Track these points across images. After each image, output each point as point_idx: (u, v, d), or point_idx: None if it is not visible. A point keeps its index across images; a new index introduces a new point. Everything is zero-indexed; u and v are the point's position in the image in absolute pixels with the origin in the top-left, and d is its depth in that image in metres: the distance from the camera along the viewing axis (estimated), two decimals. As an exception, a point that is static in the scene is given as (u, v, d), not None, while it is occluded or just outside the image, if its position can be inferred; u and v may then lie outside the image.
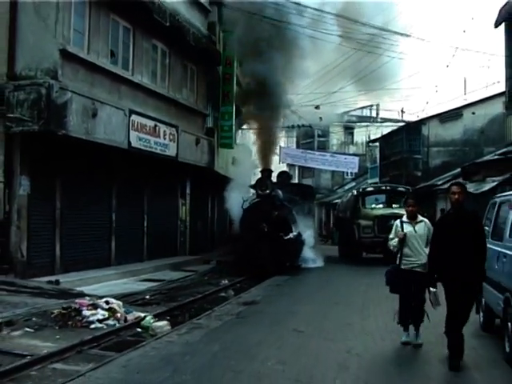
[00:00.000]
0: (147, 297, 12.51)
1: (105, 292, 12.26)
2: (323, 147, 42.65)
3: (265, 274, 16.16)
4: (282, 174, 23.80)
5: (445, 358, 6.88)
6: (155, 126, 16.49)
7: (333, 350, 7.55)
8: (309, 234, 20.28)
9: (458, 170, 24.58)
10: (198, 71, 20.05)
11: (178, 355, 7.10)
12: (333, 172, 41.33)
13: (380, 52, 19.77)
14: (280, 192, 19.57)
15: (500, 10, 17.52)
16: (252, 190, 20.01)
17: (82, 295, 11.56)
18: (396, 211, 20.06)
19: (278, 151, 31.30)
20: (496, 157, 19.03)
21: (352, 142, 45.53)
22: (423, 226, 8.10)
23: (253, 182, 20.55)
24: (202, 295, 13.05)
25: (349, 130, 45.19)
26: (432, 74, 51.77)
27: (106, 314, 9.36)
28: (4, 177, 12.94)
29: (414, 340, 7.85)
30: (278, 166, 29.43)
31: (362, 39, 19.27)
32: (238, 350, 7.48)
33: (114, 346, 8.10)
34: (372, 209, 22.31)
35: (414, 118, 36.37)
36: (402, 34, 19.07)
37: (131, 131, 15.28)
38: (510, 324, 6.74)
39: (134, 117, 15.40)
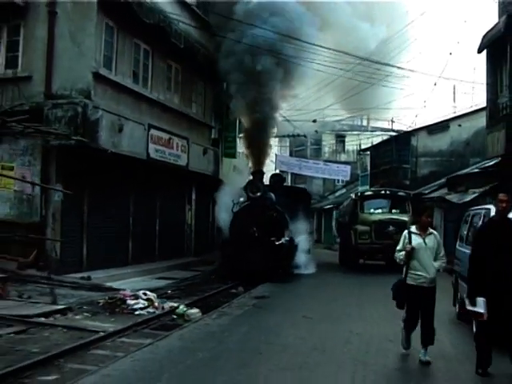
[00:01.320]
0: (169, 291, 14.56)
1: (129, 287, 14.25)
2: (316, 155, 45.17)
3: (255, 280, 16.16)
4: (274, 177, 23.45)
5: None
6: (169, 138, 18.63)
7: (338, 331, 9.73)
8: (303, 239, 20.15)
9: (445, 179, 26.79)
10: (206, 86, 22.21)
11: (218, 332, 9.25)
12: (324, 179, 43.62)
13: (372, 80, 21.80)
14: (272, 195, 19.49)
15: (482, 38, 19.77)
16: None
17: (112, 289, 13.64)
18: (395, 217, 21.06)
19: (273, 159, 33.50)
20: (477, 170, 21.29)
21: (343, 150, 48.02)
22: (433, 238, 7.96)
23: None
24: (216, 291, 15.14)
25: (340, 138, 47.69)
26: (421, 91, 54.26)
27: (146, 303, 11.49)
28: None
29: (422, 357, 7.65)
30: (271, 170, 31.11)
31: (355, 70, 21.29)
32: (263, 330, 9.67)
33: (160, 327, 10.19)
34: (370, 214, 22.04)
35: (403, 127, 38.81)
36: (393, 66, 21.10)
37: (150, 144, 17.41)
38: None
39: (152, 131, 17.53)
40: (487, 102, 20.36)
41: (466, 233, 10.61)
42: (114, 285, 14.71)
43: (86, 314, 10.71)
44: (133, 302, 11.38)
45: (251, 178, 19.79)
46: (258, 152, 20.70)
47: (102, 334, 8.94)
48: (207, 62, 20.48)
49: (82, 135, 14.42)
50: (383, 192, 24.09)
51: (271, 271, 16.88)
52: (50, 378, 6.75)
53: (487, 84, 20.09)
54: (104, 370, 6.78)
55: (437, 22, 49.30)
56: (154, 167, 18.21)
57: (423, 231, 7.97)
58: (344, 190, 43.79)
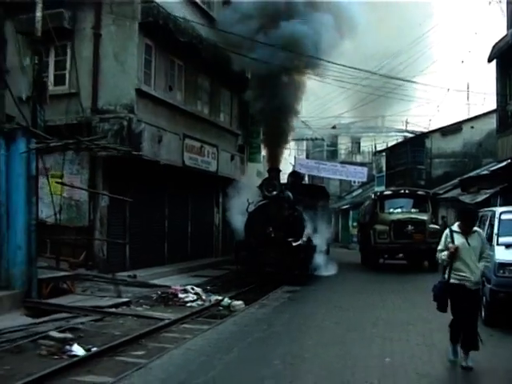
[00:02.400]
0: (208, 287, 16.37)
1: (171, 284, 16.06)
2: (332, 156, 47.03)
3: (271, 283, 16.09)
4: (293, 175, 23.26)
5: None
6: (201, 146, 20.44)
7: (365, 317, 11.50)
8: (322, 240, 19.88)
9: (458, 180, 28.46)
10: (232, 96, 24.01)
11: (264, 319, 11.05)
12: (341, 180, 45.38)
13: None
14: (289, 193, 19.15)
15: (493, 47, 21.50)
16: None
17: (157, 286, 15.46)
18: (414, 216, 21.52)
19: (292, 161, 35.31)
20: (488, 172, 22.98)
21: (359, 151, 49.85)
22: (477, 237, 7.70)
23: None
24: (250, 287, 16.89)
25: (355, 139, 49.52)
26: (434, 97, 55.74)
27: (195, 296, 13.31)
28: (27, 185, 16.71)
29: (463, 362, 7.56)
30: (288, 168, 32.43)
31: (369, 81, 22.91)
32: (301, 316, 11.48)
33: (211, 317, 11.98)
34: (389, 213, 22.25)
35: (417, 128, 40.54)
36: (407, 81, 22.82)
37: (185, 152, 19.24)
38: (483, 298, 10.63)
39: (186, 140, 19.35)
40: (497, 109, 22.09)
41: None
42: (156, 282, 16.52)
43: (145, 306, 12.54)
44: (183, 295, 13.21)
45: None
46: (275, 149, 20.11)
47: (167, 321, 10.74)
48: (234, 74, 22.21)
49: (127, 146, 16.25)
50: (402, 191, 24.41)
51: (288, 274, 16.60)
52: (139, 353, 8.54)
53: (497, 91, 21.78)
54: (184, 346, 8.59)
55: (449, 33, 51.06)
56: (188, 173, 19.99)
57: (466, 230, 7.66)
58: (360, 191, 45.65)
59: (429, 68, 46.43)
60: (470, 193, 23.68)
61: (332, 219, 29.34)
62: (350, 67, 19.63)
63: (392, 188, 28.77)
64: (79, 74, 17.13)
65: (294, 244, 17.13)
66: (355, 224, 40.94)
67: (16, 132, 11.60)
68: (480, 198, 21.55)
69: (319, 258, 19.27)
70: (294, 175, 23.46)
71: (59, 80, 17.64)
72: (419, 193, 23.87)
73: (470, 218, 7.81)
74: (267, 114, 19.81)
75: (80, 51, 17.26)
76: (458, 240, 7.63)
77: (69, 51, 17.53)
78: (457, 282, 7.62)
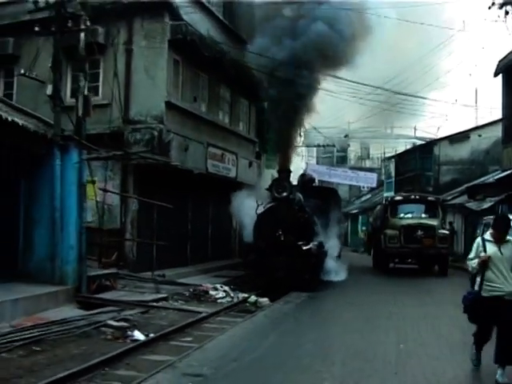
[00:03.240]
0: (232, 286, 17.92)
1: (197, 283, 17.64)
2: (342, 162, 48.70)
3: (280, 288, 15.95)
4: (303, 176, 23.45)
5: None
6: (222, 154, 22.06)
7: (380, 311, 13.07)
8: (333, 244, 19.92)
9: (465, 187, 30.01)
10: (250, 105, 25.62)
11: (290, 313, 12.63)
12: (350, 185, 46.97)
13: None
14: (300, 195, 18.92)
15: (498, 63, 23.06)
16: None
17: (185, 284, 17.03)
18: (424, 221, 22.47)
19: (303, 166, 36.91)
20: (493, 180, 24.54)
21: (368, 157, 51.48)
22: (510, 246, 7.51)
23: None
24: (257, 292, 18.28)
25: (365, 145, 51.17)
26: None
27: (224, 294, 14.89)
28: (120, 196, 18.40)
29: (499, 378, 7.20)
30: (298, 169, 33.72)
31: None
32: (323, 311, 13.13)
33: (241, 311, 13.53)
34: (400, 218, 23.06)
35: (425, 135, 42.14)
36: (416, 96, 24.40)
37: (208, 159, 20.86)
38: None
39: (209, 148, 20.98)
40: (503, 121, 23.64)
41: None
42: (184, 280, 18.08)
43: (180, 301, 14.13)
44: (214, 292, 14.81)
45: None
46: (285, 149, 20.06)
47: (204, 314, 12.33)
48: (251, 84, 23.78)
49: (158, 155, 17.86)
50: (413, 197, 25.27)
51: (298, 279, 16.25)
52: (187, 339, 10.11)
53: (503, 104, 23.34)
54: (227, 333, 10.17)
55: (457, 48, 52.96)
56: (210, 179, 21.58)
57: (499, 239, 7.51)
58: (369, 196, 47.29)
59: (439, 82, 47.84)
60: (477, 200, 25.22)
61: (344, 222, 29.07)
62: (363, 84, 21.11)
63: (403, 193, 29.66)
64: (112, 86, 18.70)
65: (304, 248, 16.82)
66: (364, 228, 42.59)
67: (69, 144, 13.18)
68: (486, 205, 23.10)
69: (330, 263, 19.16)
70: (305, 176, 23.53)
71: (92, 92, 19.21)
72: (429, 198, 24.84)
73: (503, 227, 7.54)
74: (278, 112, 19.62)
75: (112, 65, 18.83)
76: (491, 249, 7.47)
77: (102, 64, 19.14)
78: (489, 294, 7.45)
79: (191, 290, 15.32)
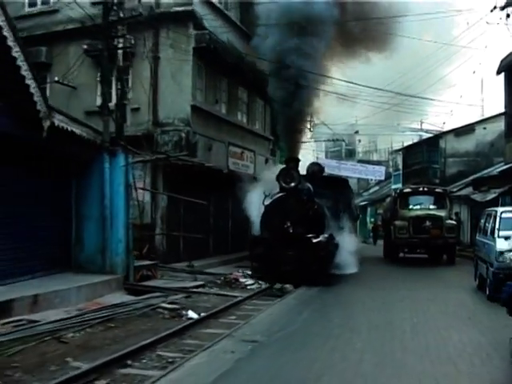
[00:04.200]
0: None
1: (223, 272, 19.62)
2: (350, 155, 50.77)
3: (289, 283, 16.02)
4: (313, 166, 23.34)
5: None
6: (242, 152, 24.08)
7: (393, 295, 15.09)
8: (345, 237, 19.88)
9: (471, 178, 31.97)
10: (265, 105, 27.59)
11: (315, 296, 14.63)
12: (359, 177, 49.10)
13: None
14: (309, 186, 18.65)
15: (501, 61, 24.97)
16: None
17: (213, 274, 19.05)
18: (432, 212, 24.11)
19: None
20: (497, 173, 26.50)
21: (375, 150, 53.53)
22: None
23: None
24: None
25: (372, 138, 53.22)
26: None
27: (253, 281, 16.91)
28: (151, 194, 20.38)
29: None
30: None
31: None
32: (344, 294, 15.15)
33: (270, 296, 15.51)
34: (409, 210, 24.59)
35: (432, 127, 44.11)
36: (423, 98, 26.35)
37: (229, 158, 22.87)
38: (488, 279, 14.18)
39: (230, 147, 22.99)
40: (505, 116, 25.62)
41: (482, 227, 15.90)
42: (211, 271, 20.07)
43: (215, 288, 16.15)
44: (243, 280, 16.83)
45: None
46: (293, 138, 19.89)
47: (240, 298, 14.35)
48: (266, 85, 25.73)
49: (185, 155, 19.84)
50: (421, 189, 26.76)
51: (308, 273, 16.11)
52: (232, 317, 12.11)
53: (505, 100, 25.29)
54: (265, 312, 12.20)
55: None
56: (230, 176, 23.57)
57: None
58: (377, 188, 49.40)
59: (444, 80, 49.79)
60: (481, 191, 27.20)
61: (357, 214, 28.63)
62: (374, 88, 23.02)
63: (411, 186, 30.87)
64: (140, 91, 20.64)
65: (313, 240, 16.59)
66: (372, 220, 44.68)
67: (117, 149, 15.21)
68: (490, 197, 25.07)
69: (342, 257, 18.78)
70: (315, 166, 23.24)
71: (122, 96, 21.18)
72: (437, 190, 26.45)
73: None
74: (283, 96, 19.30)
75: (141, 71, 20.77)
76: None
77: (131, 71, 21.09)
78: None
79: (222, 278, 17.32)
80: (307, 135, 36.74)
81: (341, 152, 52.19)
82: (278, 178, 17.97)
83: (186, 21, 20.63)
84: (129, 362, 8.36)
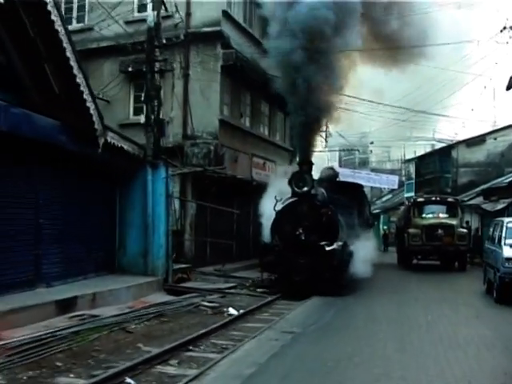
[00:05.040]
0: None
1: (247, 276, 21.41)
2: (363, 163, 52.63)
3: (299, 293, 15.76)
4: (327, 170, 23.45)
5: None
6: (264, 162, 25.93)
7: (407, 297, 16.85)
8: (360, 244, 19.09)
9: (481, 188, 33.65)
10: (285, 117, 29.47)
11: (337, 297, 16.41)
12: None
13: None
14: (323, 190, 18.41)
15: (510, 78, 26.73)
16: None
17: (239, 277, 20.85)
18: (444, 221, 25.64)
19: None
20: (506, 184, 28.23)
21: (388, 159, 55.39)
22: None
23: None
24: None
25: (385, 147, 55.10)
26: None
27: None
28: (180, 202, 22.23)
29: None
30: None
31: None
32: (362, 296, 16.85)
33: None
34: (422, 218, 26.14)
35: (444, 136, 45.90)
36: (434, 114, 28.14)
37: (253, 168, 24.72)
38: (495, 283, 15.94)
39: (254, 158, 24.85)
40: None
41: (491, 235, 17.68)
42: (238, 274, 21.85)
43: (245, 289, 17.97)
44: (270, 283, 18.64)
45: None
46: (306, 140, 19.17)
47: (270, 298, 16.17)
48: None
49: (214, 166, 21.70)
50: (434, 198, 28.52)
51: (320, 283, 15.83)
52: (266, 314, 13.94)
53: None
54: (297, 309, 14.03)
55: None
56: (253, 185, 25.43)
57: None
58: (390, 196, 51.20)
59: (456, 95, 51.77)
60: (492, 201, 28.92)
61: (372, 221, 29.52)
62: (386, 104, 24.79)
63: (425, 195, 32.67)
64: (170, 106, 22.51)
65: (327, 248, 16.26)
66: (385, 227, 46.46)
67: (158, 162, 17.11)
68: (499, 206, 26.80)
69: (358, 267, 17.98)
70: (329, 170, 23.26)
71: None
72: (449, 200, 28.18)
73: None
74: (296, 97, 18.40)
75: (172, 88, 22.63)
76: None
77: (162, 87, 22.92)
78: None
79: (250, 281, 19.13)
80: (322, 144, 38.79)
81: (354, 161, 54.08)
82: (291, 182, 17.41)
83: (215, 40, 22.48)
84: (190, 347, 10.18)
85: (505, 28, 24.05)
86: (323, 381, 7.98)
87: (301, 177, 17.53)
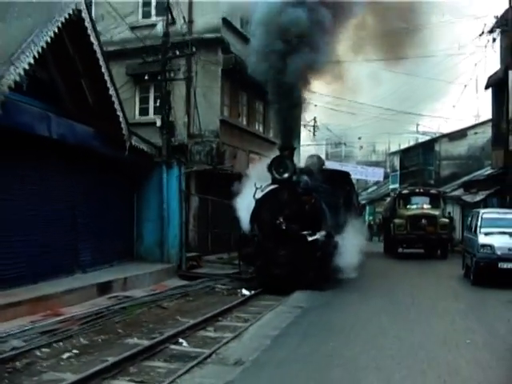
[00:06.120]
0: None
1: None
2: (349, 155, 55.55)
3: (281, 288, 15.34)
4: (312, 158, 22.83)
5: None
6: (259, 158, 28.43)
7: (403, 283, 19.55)
8: (348, 236, 18.77)
9: (462, 180, 36.51)
10: (277, 115, 32.05)
11: (337, 284, 19.03)
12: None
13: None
14: (306, 178, 17.80)
15: (488, 78, 29.49)
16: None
17: (240, 264, 23.41)
18: (427, 211, 27.91)
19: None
20: (484, 177, 31.06)
21: (374, 151, 58.28)
22: None
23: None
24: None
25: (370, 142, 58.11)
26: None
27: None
28: (185, 197, 24.69)
29: None
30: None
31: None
32: (356, 280, 19.50)
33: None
34: (407, 209, 28.33)
35: (427, 129, 48.82)
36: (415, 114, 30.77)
37: (249, 164, 27.27)
38: (472, 267, 18.64)
39: (251, 155, 27.42)
40: (492, 127, 30.18)
41: (469, 225, 20.41)
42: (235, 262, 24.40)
43: (249, 275, 20.54)
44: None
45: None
46: (286, 125, 18.44)
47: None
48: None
49: (216, 163, 24.26)
50: (418, 190, 30.82)
51: (302, 276, 15.45)
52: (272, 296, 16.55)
53: (492, 113, 29.86)
54: (297, 292, 16.62)
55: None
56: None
57: None
58: (375, 187, 54.15)
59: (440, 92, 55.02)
60: (471, 193, 31.74)
61: (362, 212, 31.57)
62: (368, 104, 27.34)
63: (409, 187, 35.30)
64: (175, 107, 24.94)
65: (309, 239, 15.73)
66: (371, 218, 49.33)
67: (173, 162, 19.64)
68: (478, 198, 29.61)
69: (344, 259, 17.50)
70: (313, 158, 22.55)
71: (158, 112, 25.53)
72: (432, 192, 30.60)
73: None
74: (272, 74, 17.40)
75: (175, 90, 25.08)
76: None
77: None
78: None
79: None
80: (310, 137, 41.48)
81: (340, 154, 56.89)
82: (270, 167, 16.78)
83: (216, 46, 24.98)
84: (220, 318, 12.77)
85: (483, 33, 26.68)
86: (335, 337, 10.58)
87: (281, 162, 16.76)
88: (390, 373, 8.15)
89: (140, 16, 26.09)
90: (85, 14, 14.53)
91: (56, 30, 13.32)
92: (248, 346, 9.87)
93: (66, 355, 9.43)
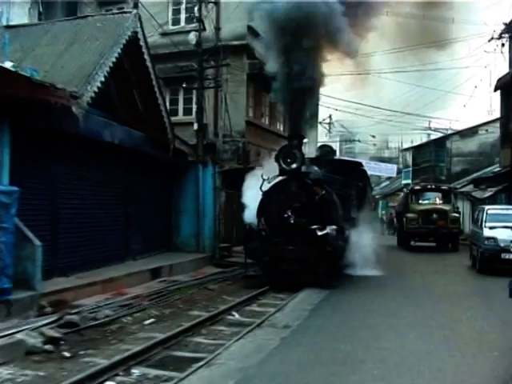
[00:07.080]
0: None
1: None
2: (362, 152, 58.21)
3: (290, 284, 15.28)
4: (323, 148, 22.98)
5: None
6: (280, 156, 31.19)
7: (409, 268, 22.26)
8: (360, 230, 18.85)
9: (473, 176, 39.08)
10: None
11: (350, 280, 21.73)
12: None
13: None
14: (316, 168, 17.39)
15: (498, 80, 32.04)
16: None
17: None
18: (438, 206, 29.81)
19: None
20: (493, 174, 33.67)
21: (387, 147, 60.92)
22: None
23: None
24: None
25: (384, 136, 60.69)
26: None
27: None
28: (214, 192, 27.45)
29: None
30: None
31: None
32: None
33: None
34: (419, 204, 30.22)
35: (439, 126, 51.42)
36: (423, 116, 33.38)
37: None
38: (477, 258, 21.27)
39: (272, 153, 30.05)
40: (500, 126, 32.77)
41: (476, 219, 23.10)
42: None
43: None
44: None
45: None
46: (296, 113, 17.79)
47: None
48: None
49: (242, 161, 26.98)
50: (429, 186, 32.80)
51: (311, 272, 15.37)
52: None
53: (501, 114, 32.47)
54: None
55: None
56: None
57: None
58: (388, 182, 56.85)
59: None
60: (481, 189, 34.34)
61: (375, 205, 33.79)
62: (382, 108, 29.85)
63: (421, 183, 37.19)
64: (205, 109, 27.62)
65: (319, 233, 15.39)
66: (384, 212, 52.05)
67: (208, 161, 22.42)
68: (487, 194, 32.22)
69: (355, 254, 17.79)
70: (325, 148, 22.40)
71: (187, 111, 28.27)
72: (443, 188, 32.64)
73: None
74: (282, 61, 17.09)
75: (203, 92, 27.78)
76: None
77: (194, 92, 28.10)
78: None
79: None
80: (326, 134, 44.15)
81: (354, 150, 59.53)
82: (278, 157, 16.42)
83: (242, 52, 27.64)
84: (260, 298, 15.51)
85: (492, 38, 29.31)
86: (359, 310, 13.32)
87: (289, 152, 16.35)
88: (405, 333, 10.92)
89: (170, 23, 28.72)
90: (140, 36, 17.22)
91: (119, 51, 16.03)
92: (291, 316, 12.57)
93: (146, 322, 12.24)
